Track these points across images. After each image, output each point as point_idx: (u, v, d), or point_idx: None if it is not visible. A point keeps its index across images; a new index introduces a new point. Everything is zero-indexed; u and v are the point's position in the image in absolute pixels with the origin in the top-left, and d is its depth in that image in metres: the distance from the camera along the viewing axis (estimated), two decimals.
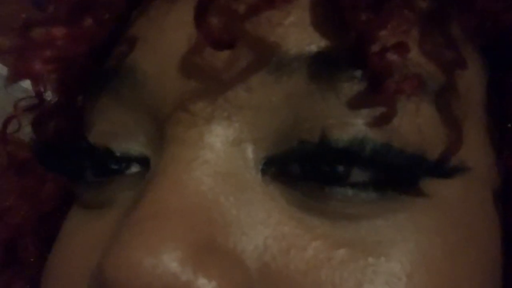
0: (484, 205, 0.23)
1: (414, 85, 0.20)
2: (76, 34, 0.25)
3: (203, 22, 0.21)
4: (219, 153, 0.21)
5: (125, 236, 0.20)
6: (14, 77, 0.25)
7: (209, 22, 0.21)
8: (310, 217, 0.21)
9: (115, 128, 0.24)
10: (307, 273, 0.20)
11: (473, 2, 0.23)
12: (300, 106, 0.21)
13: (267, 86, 0.21)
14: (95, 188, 0.25)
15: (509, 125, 0.24)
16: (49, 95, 0.29)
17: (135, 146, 0.24)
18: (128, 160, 0.24)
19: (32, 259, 0.32)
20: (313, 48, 0.21)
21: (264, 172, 0.21)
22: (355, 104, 0.21)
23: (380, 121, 0.20)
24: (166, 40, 0.23)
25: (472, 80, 0.23)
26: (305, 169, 0.21)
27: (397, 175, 0.21)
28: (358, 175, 0.21)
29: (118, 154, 0.24)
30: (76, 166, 0.25)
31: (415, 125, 0.21)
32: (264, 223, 0.20)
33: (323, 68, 0.21)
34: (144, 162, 0.24)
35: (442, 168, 0.21)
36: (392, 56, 0.20)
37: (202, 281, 0.19)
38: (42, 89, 0.28)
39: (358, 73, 0.21)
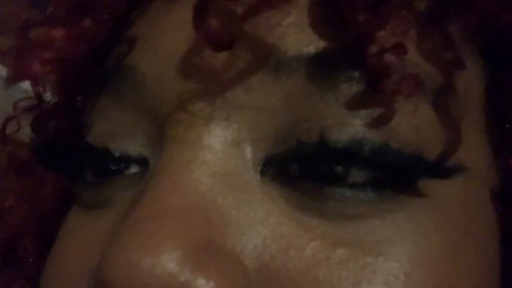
0: (482, 205, 0.23)
1: (412, 85, 0.20)
2: (75, 35, 0.25)
3: (202, 23, 0.21)
4: (218, 154, 0.21)
5: (124, 236, 0.20)
6: (14, 77, 0.25)
7: (208, 23, 0.21)
8: (308, 217, 0.21)
9: (115, 128, 0.24)
10: (306, 273, 0.20)
11: (473, 2, 0.23)
12: (298, 107, 0.21)
13: (266, 87, 0.21)
14: (95, 188, 0.25)
15: (508, 125, 0.24)
16: (48, 96, 0.29)
17: (134, 146, 0.24)
18: (127, 160, 0.24)
19: (32, 259, 0.32)
20: (312, 49, 0.21)
21: (263, 172, 0.21)
22: (354, 104, 0.21)
23: (379, 122, 0.20)
24: (165, 40, 0.23)
25: (471, 80, 0.23)
26: (304, 170, 0.21)
27: (396, 175, 0.21)
28: (356, 175, 0.21)
29: (117, 154, 0.24)
30: (76, 166, 0.25)
31: (413, 125, 0.21)
32: (263, 223, 0.21)
33: (321, 68, 0.21)
34: (143, 162, 0.24)
35: (440, 168, 0.21)
36: (390, 57, 0.20)
37: (200, 281, 0.19)
38: (41, 90, 0.28)
39: (357, 73, 0.21)
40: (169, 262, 0.19)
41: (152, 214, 0.20)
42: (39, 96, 0.29)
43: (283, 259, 0.20)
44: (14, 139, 0.33)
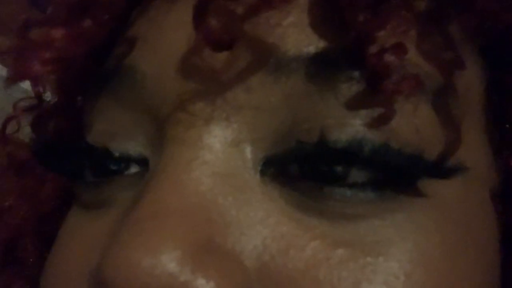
0: (482, 205, 0.23)
1: (412, 85, 0.20)
2: (75, 35, 0.25)
3: (202, 23, 0.21)
4: (218, 154, 0.21)
5: (124, 236, 0.20)
6: (14, 77, 0.25)
7: (208, 23, 0.21)
8: (308, 217, 0.21)
9: (115, 128, 0.24)
10: (306, 272, 0.20)
11: (473, 2, 0.23)
12: (298, 107, 0.21)
13: (266, 87, 0.21)
14: (95, 188, 0.25)
15: (508, 125, 0.24)
16: (48, 96, 0.29)
17: (134, 146, 0.24)
18: (127, 160, 0.24)
19: (32, 259, 0.32)
20: (312, 49, 0.21)
21: (263, 172, 0.21)
22: (354, 104, 0.21)
23: (379, 122, 0.20)
24: (165, 40, 0.23)
25: (471, 80, 0.23)
26: (304, 170, 0.21)
27: (396, 175, 0.21)
28: (356, 175, 0.21)
29: (117, 154, 0.24)
30: (76, 166, 0.25)
31: (413, 125, 0.21)
32: (263, 223, 0.21)
33: (321, 68, 0.21)
34: (143, 162, 0.24)
35: (440, 168, 0.21)
36: (390, 57, 0.20)
37: (200, 281, 0.19)
38: (41, 90, 0.28)
39: (357, 73, 0.21)
40: (169, 262, 0.19)
41: (152, 214, 0.20)
42: (39, 96, 0.29)
43: (283, 259, 0.20)
44: (14, 139, 0.33)
